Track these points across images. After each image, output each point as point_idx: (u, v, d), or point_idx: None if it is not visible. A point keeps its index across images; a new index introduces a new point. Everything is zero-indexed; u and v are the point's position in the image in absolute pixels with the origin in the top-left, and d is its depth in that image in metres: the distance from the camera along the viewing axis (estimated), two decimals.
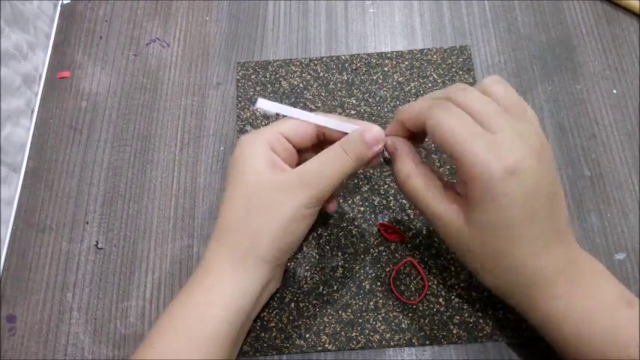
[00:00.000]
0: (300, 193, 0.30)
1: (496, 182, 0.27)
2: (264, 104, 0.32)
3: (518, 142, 0.28)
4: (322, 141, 0.34)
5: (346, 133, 0.32)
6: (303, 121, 0.33)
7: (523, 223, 0.28)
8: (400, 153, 0.32)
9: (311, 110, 0.44)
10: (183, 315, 0.31)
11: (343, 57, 0.47)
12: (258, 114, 0.45)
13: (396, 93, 0.45)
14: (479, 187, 0.28)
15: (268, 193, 0.30)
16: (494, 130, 0.28)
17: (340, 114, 0.44)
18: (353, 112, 0.44)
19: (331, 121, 0.33)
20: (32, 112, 0.47)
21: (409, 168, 0.32)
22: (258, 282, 0.32)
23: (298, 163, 0.33)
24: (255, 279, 0.32)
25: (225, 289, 0.31)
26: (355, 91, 0.45)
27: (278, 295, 0.38)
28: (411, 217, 0.40)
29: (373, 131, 0.32)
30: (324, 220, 0.40)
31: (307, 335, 0.37)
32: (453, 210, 0.30)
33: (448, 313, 0.37)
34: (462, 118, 0.29)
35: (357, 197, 0.41)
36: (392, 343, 0.36)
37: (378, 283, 0.38)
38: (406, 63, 0.46)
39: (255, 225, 0.31)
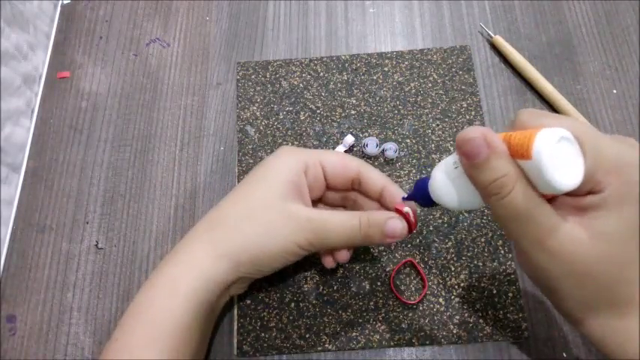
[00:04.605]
0: (302, 235, 0.31)
1: None
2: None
3: None
4: (354, 189, 0.35)
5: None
6: (346, 162, 0.33)
7: None
8: (499, 152, 0.23)
9: (312, 111, 0.44)
10: (147, 306, 0.30)
11: (343, 57, 0.47)
12: (258, 114, 0.45)
13: (396, 93, 0.45)
14: (617, 181, 0.22)
15: (276, 216, 0.30)
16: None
17: (340, 114, 0.44)
18: (353, 112, 0.44)
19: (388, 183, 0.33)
20: (32, 112, 0.47)
21: (510, 169, 0.23)
22: (225, 279, 0.32)
23: (319, 199, 0.34)
24: (224, 275, 0.31)
25: (192, 280, 0.31)
26: (355, 91, 0.45)
27: (278, 295, 0.38)
28: None
29: (397, 225, 0.30)
30: None
31: (307, 335, 0.37)
32: (572, 221, 0.23)
33: (448, 313, 0.37)
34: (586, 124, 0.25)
35: None
36: (392, 343, 0.36)
37: (378, 283, 0.38)
38: (406, 63, 0.46)
39: (250, 235, 0.31)
